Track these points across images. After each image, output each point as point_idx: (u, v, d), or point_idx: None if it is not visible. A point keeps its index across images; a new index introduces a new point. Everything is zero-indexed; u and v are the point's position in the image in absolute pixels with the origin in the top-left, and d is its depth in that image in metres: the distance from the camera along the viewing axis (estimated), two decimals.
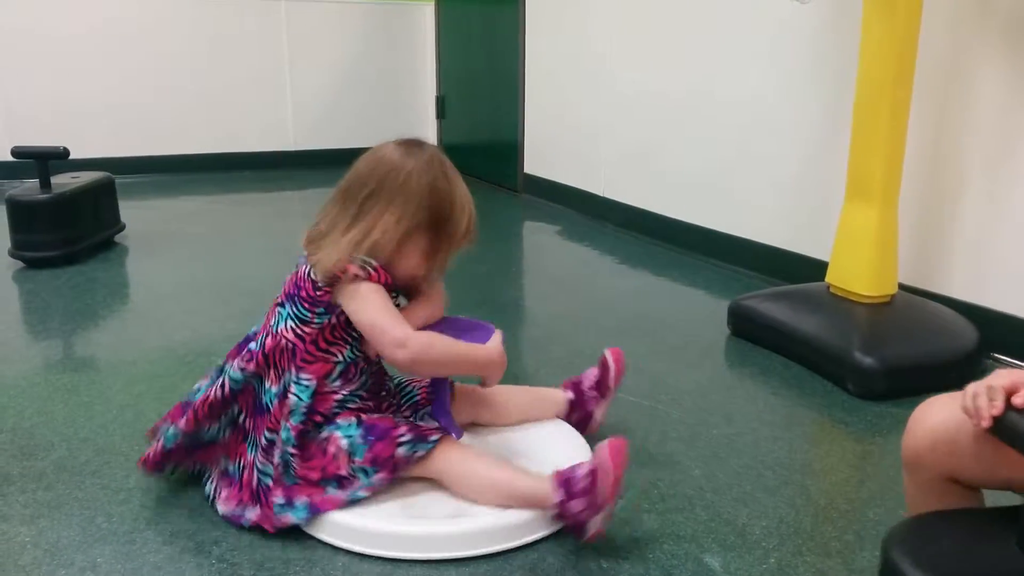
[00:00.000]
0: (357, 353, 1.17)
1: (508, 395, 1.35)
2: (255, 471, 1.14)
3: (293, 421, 1.13)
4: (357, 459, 1.11)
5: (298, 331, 1.15)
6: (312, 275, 1.14)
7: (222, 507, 1.14)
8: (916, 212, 1.91)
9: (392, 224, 1.12)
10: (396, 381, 1.30)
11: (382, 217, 1.12)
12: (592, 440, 1.25)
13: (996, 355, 1.76)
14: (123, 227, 2.72)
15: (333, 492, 1.11)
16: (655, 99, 2.74)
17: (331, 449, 1.12)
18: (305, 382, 1.14)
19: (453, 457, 1.14)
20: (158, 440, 1.19)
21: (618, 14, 2.87)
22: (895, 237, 1.74)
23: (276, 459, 1.13)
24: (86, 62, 3.65)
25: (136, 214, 2.89)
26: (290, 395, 1.14)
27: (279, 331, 1.15)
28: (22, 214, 2.36)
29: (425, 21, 4.24)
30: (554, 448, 1.27)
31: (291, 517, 1.10)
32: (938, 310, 1.76)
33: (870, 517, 1.18)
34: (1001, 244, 1.77)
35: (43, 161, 2.39)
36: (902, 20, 1.61)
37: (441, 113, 4.26)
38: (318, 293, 1.13)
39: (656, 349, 1.83)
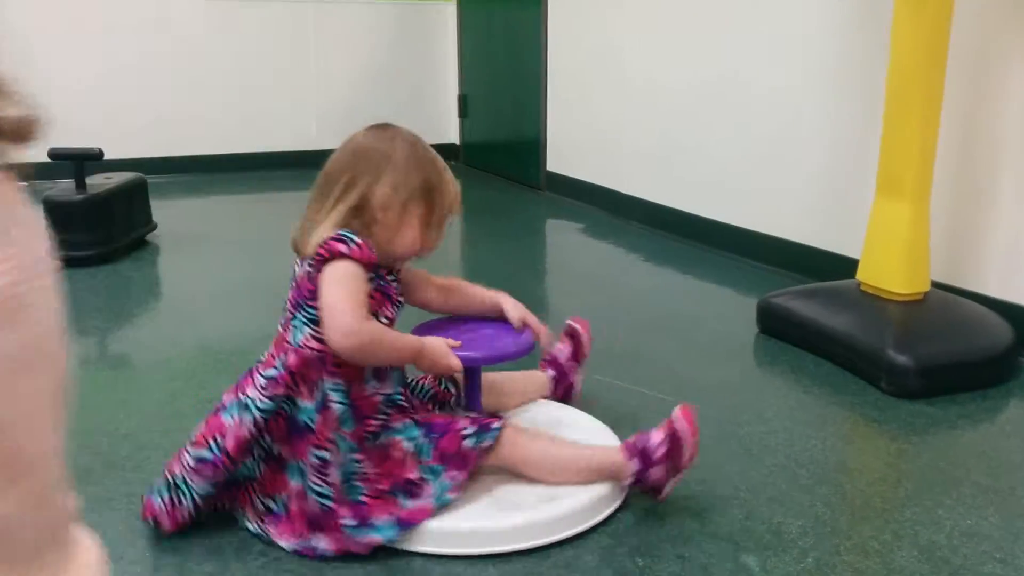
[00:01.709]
0: None
1: (506, 380, 1.36)
2: (309, 496, 1.07)
3: (347, 429, 1.09)
4: (424, 458, 1.09)
5: (318, 335, 1.08)
6: (308, 268, 1.09)
7: (285, 543, 1.07)
8: (949, 208, 1.89)
9: (389, 194, 1.11)
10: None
11: (374, 192, 1.10)
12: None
13: None
14: (155, 226, 2.76)
15: (411, 503, 1.07)
16: (679, 95, 2.73)
17: (396, 454, 1.10)
18: (343, 387, 1.09)
19: (520, 441, 1.12)
20: (176, 501, 1.08)
21: (641, 9, 2.87)
22: (927, 233, 1.72)
23: (335, 476, 1.07)
24: (119, 65, 3.70)
25: (168, 214, 2.93)
26: (332, 404, 1.09)
27: (301, 343, 1.09)
28: (58, 214, 2.40)
29: (447, 20, 4.25)
30: (574, 424, 1.33)
31: (376, 537, 1.05)
32: (972, 308, 1.74)
33: (907, 517, 1.17)
34: None
35: (78, 162, 2.43)
36: (933, 12, 1.60)
37: (463, 112, 4.27)
38: (314, 283, 1.09)
39: (685, 347, 1.83)
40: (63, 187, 2.49)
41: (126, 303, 2.13)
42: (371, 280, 1.11)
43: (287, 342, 1.11)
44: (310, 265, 1.09)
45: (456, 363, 1.15)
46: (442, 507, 1.08)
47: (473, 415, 1.20)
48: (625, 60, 2.98)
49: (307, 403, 1.09)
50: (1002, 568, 1.06)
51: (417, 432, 1.12)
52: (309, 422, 1.09)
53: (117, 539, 1.10)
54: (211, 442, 1.07)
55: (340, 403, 1.09)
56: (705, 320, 2.02)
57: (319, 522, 1.06)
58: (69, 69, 3.63)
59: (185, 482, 1.07)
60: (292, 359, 1.09)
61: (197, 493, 1.07)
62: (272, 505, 1.10)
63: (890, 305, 1.71)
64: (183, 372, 1.67)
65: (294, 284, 1.14)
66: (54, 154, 2.49)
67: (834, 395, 1.59)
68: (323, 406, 1.09)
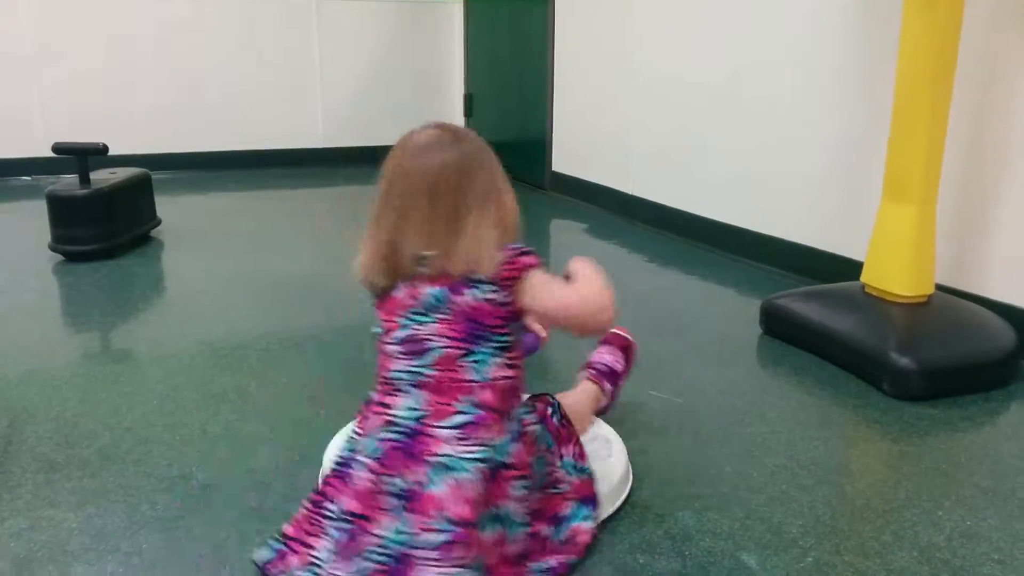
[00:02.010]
0: None
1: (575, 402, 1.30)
2: (511, 536, 0.98)
3: (543, 445, 1.07)
4: (543, 444, 1.08)
5: (509, 362, 1.01)
6: (486, 298, 0.98)
7: None
8: (954, 211, 1.88)
9: (514, 201, 1.03)
10: None
11: (504, 202, 1.02)
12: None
13: None
14: (159, 222, 2.77)
15: (564, 485, 1.07)
16: (685, 96, 2.73)
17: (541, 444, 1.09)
18: (528, 406, 1.08)
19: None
20: None
21: (649, 10, 2.86)
22: (933, 237, 1.72)
23: (534, 499, 1.03)
24: (123, 61, 3.72)
25: (171, 209, 2.94)
26: (528, 428, 1.04)
27: (492, 377, 0.99)
28: (62, 209, 2.41)
29: (453, 19, 4.26)
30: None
31: (580, 525, 1.05)
32: (975, 311, 1.74)
33: (907, 518, 1.17)
34: None
35: (83, 157, 2.44)
36: (943, 14, 1.59)
37: (469, 111, 4.27)
38: (507, 307, 0.99)
39: (688, 348, 1.83)
40: (67, 182, 2.50)
41: (129, 298, 2.14)
42: None
43: (468, 381, 0.98)
44: (493, 292, 0.98)
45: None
46: (590, 475, 1.11)
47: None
48: (632, 60, 2.98)
49: (502, 439, 0.98)
50: (1001, 569, 1.06)
51: (541, 426, 1.11)
52: (504, 458, 0.98)
53: (115, 531, 1.10)
54: (439, 522, 0.92)
55: (535, 423, 1.06)
56: (709, 321, 2.02)
57: (527, 552, 0.99)
58: (75, 64, 3.65)
59: None
60: (488, 396, 0.98)
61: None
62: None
63: (894, 307, 1.71)
64: (186, 367, 1.67)
65: (450, 318, 0.99)
66: (58, 149, 2.51)
67: (836, 397, 1.59)
68: (520, 434, 1.01)
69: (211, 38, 3.85)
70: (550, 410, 1.15)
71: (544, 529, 1.03)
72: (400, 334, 1.01)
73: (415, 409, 0.98)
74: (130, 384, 1.58)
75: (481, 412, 0.97)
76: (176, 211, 2.99)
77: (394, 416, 0.98)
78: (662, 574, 1.03)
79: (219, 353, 1.74)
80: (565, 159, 3.51)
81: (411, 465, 0.95)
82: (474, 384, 0.98)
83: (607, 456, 1.22)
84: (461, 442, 0.95)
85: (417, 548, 0.91)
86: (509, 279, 0.99)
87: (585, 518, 1.07)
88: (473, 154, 1.03)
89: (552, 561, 1.01)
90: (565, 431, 1.15)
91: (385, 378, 1.03)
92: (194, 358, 1.72)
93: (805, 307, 1.83)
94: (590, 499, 1.09)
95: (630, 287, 2.32)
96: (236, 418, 1.44)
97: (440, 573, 0.90)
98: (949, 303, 1.75)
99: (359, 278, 1.05)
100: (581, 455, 1.14)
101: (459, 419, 0.97)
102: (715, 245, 2.63)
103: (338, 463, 1.01)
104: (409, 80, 4.25)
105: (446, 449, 0.95)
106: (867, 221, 1.82)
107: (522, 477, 1.00)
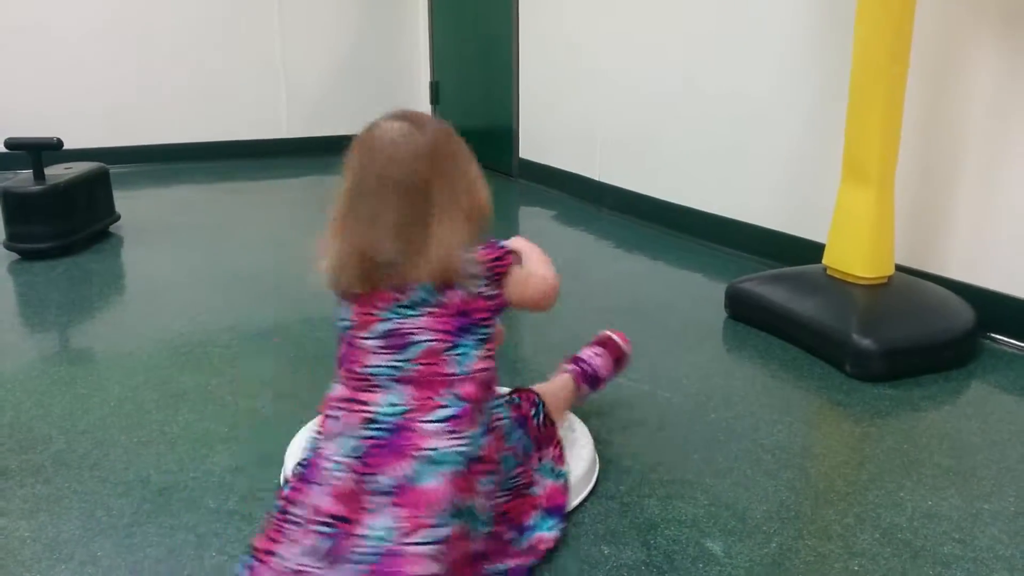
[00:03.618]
0: None
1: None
2: (473, 532, 0.95)
3: (512, 442, 1.05)
4: (515, 442, 1.07)
5: (488, 354, 1.01)
6: (472, 291, 0.99)
7: None
8: (912, 193, 1.90)
9: (488, 194, 1.03)
10: None
11: (478, 196, 1.01)
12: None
13: (993, 335, 1.76)
14: (118, 217, 2.70)
15: (537, 488, 1.06)
16: (650, 83, 2.72)
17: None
18: (503, 398, 1.09)
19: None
20: None
21: None
22: (892, 218, 1.73)
23: (499, 497, 1.02)
24: (77, 52, 3.62)
25: (130, 204, 2.88)
26: (498, 422, 1.03)
27: (474, 370, 0.99)
28: (16, 206, 2.34)
29: (418, 6, 4.20)
30: None
31: (543, 535, 1.03)
32: (935, 291, 1.76)
33: (870, 500, 1.18)
34: (997, 224, 1.77)
35: (36, 152, 2.37)
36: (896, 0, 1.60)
37: (435, 99, 4.23)
38: (495, 301, 1.02)
39: (654, 333, 1.83)
40: (22, 178, 2.43)
41: (87, 296, 2.09)
42: None
43: (450, 375, 0.98)
44: (485, 286, 1.00)
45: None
46: (565, 480, 1.11)
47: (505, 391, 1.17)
48: (596, 47, 2.96)
49: (476, 431, 0.98)
50: (961, 548, 1.07)
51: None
52: (478, 451, 0.97)
53: (69, 539, 1.07)
54: (432, 517, 0.91)
55: (506, 416, 1.06)
56: (675, 305, 2.02)
57: (487, 552, 0.97)
58: (26, 57, 3.54)
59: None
60: (470, 389, 0.98)
61: None
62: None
63: (855, 289, 1.72)
64: (145, 366, 1.64)
65: (439, 312, 0.98)
66: (11, 144, 2.44)
67: (800, 379, 1.60)
68: (488, 427, 1.01)
69: (169, 26, 3.76)
70: (534, 411, 1.13)
71: (507, 533, 1.02)
72: (381, 327, 0.98)
73: (397, 404, 0.96)
74: (87, 386, 1.54)
75: (464, 405, 0.97)
76: (135, 206, 2.93)
77: (374, 412, 0.96)
78: (627, 564, 1.03)
79: (179, 351, 1.71)
80: (532, 146, 3.49)
81: (396, 461, 0.92)
82: (456, 377, 0.98)
83: (571, 446, 1.22)
84: (448, 435, 0.95)
85: (407, 543, 0.89)
86: (498, 275, 1.02)
87: (550, 528, 1.06)
88: (443, 146, 1.01)
89: (511, 563, 0.99)
90: (546, 432, 1.14)
91: (358, 373, 0.99)
92: (153, 357, 1.68)
93: (768, 290, 1.84)
94: (558, 509, 1.08)
95: (598, 273, 2.31)
96: (196, 418, 1.41)
97: (431, 564, 0.89)
98: (909, 284, 1.77)
99: (326, 281, 1.01)
100: (560, 457, 1.13)
101: (443, 413, 0.96)
102: (681, 230, 2.64)
103: (302, 465, 0.99)
104: (374, 68, 4.19)
105: (432, 443, 0.94)
106: (830, 204, 1.83)
107: (490, 472, 0.99)
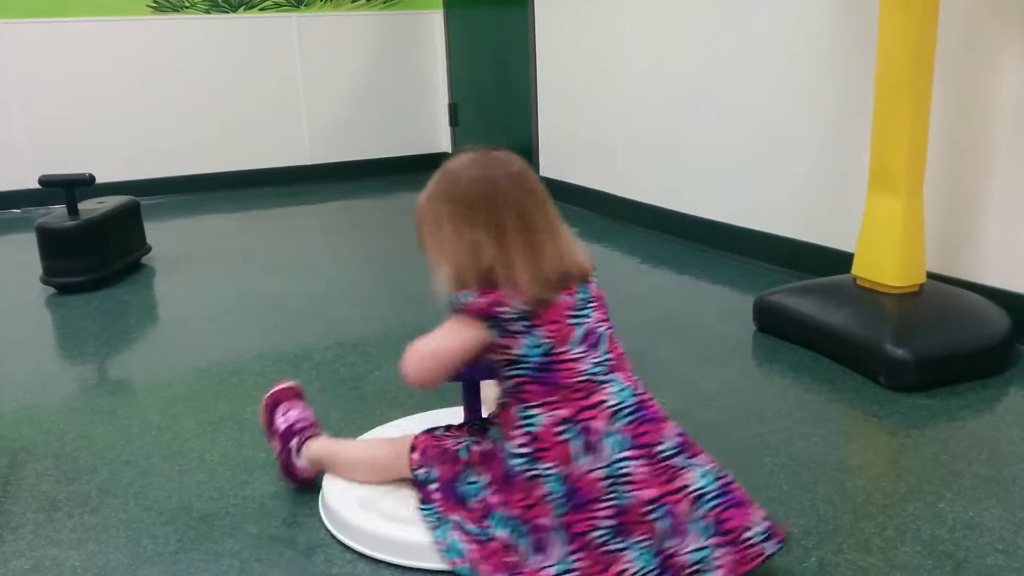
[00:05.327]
0: None
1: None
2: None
3: None
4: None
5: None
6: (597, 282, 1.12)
7: None
8: (942, 199, 1.89)
9: None
10: None
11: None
12: None
13: None
14: (149, 249, 2.76)
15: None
16: (670, 96, 2.73)
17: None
18: None
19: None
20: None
21: (629, 11, 2.87)
22: (921, 226, 1.72)
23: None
24: (105, 88, 3.71)
25: (161, 235, 2.93)
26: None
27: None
28: (52, 241, 2.40)
29: (434, 29, 4.26)
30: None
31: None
32: (968, 298, 1.74)
33: (909, 512, 1.17)
34: None
35: (70, 188, 2.44)
36: (920, 8, 1.60)
37: (454, 120, 4.27)
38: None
39: (684, 349, 1.83)
40: (56, 214, 2.49)
41: (123, 328, 2.13)
42: None
43: (623, 353, 1.10)
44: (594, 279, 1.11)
45: None
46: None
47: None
48: (614, 62, 2.98)
49: None
50: (1005, 559, 1.06)
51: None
52: None
53: (118, 567, 1.10)
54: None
55: None
56: (703, 320, 2.02)
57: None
58: (58, 95, 3.64)
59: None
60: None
61: None
62: None
63: (886, 299, 1.71)
64: (182, 395, 1.67)
65: (596, 303, 1.10)
66: (45, 181, 2.50)
67: (833, 392, 1.59)
68: None
69: (191, 60, 3.84)
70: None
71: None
72: (578, 334, 1.05)
73: (623, 388, 1.05)
74: (127, 416, 1.57)
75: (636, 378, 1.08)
76: (165, 237, 2.99)
77: (614, 405, 1.03)
78: None
79: (215, 379, 1.74)
80: (553, 164, 3.51)
81: (659, 427, 1.03)
82: (624, 355, 1.10)
83: None
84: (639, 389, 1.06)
85: (728, 478, 1.02)
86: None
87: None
88: (517, 159, 1.11)
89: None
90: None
91: (576, 384, 1.03)
92: (190, 385, 1.71)
93: (798, 302, 1.84)
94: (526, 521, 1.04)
95: (624, 289, 2.32)
96: (234, 445, 1.44)
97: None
98: (942, 291, 1.76)
99: (521, 302, 1.02)
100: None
101: (640, 384, 1.07)
102: (707, 244, 2.64)
103: (559, 503, 0.99)
104: (393, 92, 4.25)
105: (656, 406, 1.06)
106: (856, 213, 1.83)
107: None
